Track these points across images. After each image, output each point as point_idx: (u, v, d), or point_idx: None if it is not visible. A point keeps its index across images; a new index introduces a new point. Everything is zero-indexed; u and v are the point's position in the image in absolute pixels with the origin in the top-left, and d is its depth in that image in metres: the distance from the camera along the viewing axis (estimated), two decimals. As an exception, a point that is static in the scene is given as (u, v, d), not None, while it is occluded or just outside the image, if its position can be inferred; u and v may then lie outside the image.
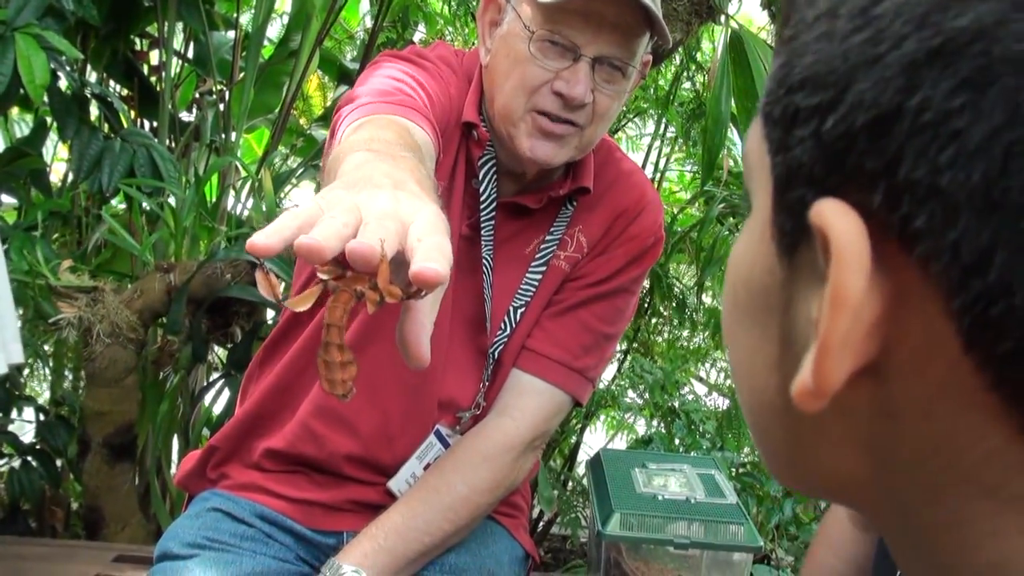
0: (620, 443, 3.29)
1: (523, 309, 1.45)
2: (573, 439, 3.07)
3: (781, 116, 0.38)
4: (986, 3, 0.30)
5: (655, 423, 2.72)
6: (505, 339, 1.45)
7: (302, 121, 3.18)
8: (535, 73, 1.30)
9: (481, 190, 1.40)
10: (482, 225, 1.41)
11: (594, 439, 3.39)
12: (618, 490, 1.50)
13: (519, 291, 1.45)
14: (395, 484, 1.43)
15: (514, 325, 1.45)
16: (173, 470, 2.61)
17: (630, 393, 2.77)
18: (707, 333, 3.18)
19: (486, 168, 1.40)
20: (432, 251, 0.67)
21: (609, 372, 3.09)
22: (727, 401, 3.16)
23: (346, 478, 1.44)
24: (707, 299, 3.11)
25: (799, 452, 0.41)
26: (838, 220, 0.34)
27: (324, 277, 0.71)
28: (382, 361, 1.41)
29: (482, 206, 1.40)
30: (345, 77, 3.08)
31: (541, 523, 3.03)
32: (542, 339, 1.46)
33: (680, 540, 1.41)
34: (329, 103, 3.31)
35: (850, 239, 0.33)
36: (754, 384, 0.43)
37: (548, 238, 1.46)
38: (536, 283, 1.45)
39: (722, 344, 3.23)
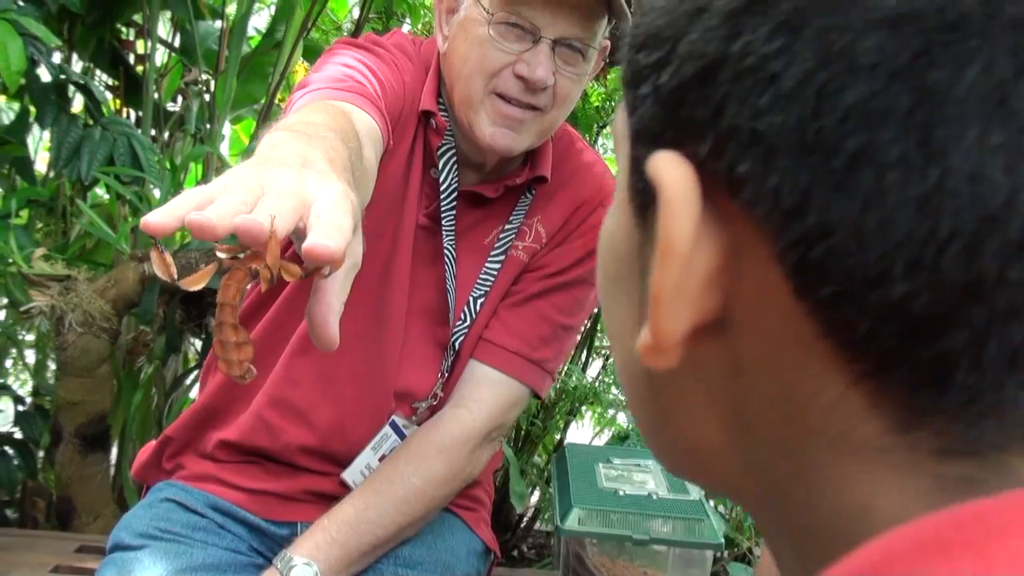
0: (606, 439, 3.27)
1: (482, 300, 1.43)
2: (557, 435, 3.05)
3: (630, 77, 0.38)
4: None
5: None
6: (465, 330, 1.43)
7: (288, 112, 3.16)
8: (495, 56, 1.29)
9: (441, 179, 1.39)
10: (443, 215, 1.39)
11: (582, 435, 3.38)
12: (579, 485, 1.48)
13: (478, 281, 1.44)
14: (349, 475, 1.41)
15: (474, 316, 1.44)
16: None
17: (614, 390, 2.76)
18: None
19: (446, 157, 1.38)
20: (328, 228, 0.66)
21: (594, 369, 3.08)
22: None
23: (300, 469, 1.43)
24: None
25: (664, 420, 0.41)
26: (667, 170, 0.34)
27: (221, 255, 0.70)
28: (336, 353, 1.38)
29: (442, 196, 1.39)
30: (332, 68, 3.06)
31: (524, 519, 3.02)
32: (499, 330, 1.44)
33: (639, 537, 1.39)
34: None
35: (676, 188, 0.33)
36: (622, 353, 0.43)
37: (506, 227, 1.44)
38: (495, 273, 1.44)
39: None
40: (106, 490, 2.27)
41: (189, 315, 2.26)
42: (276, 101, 2.88)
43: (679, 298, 0.34)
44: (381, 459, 1.41)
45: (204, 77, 2.95)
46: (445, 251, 1.41)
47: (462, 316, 1.44)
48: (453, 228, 1.41)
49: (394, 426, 1.42)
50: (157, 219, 0.65)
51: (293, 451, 1.41)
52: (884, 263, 0.29)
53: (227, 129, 3.15)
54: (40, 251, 2.17)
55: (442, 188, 1.39)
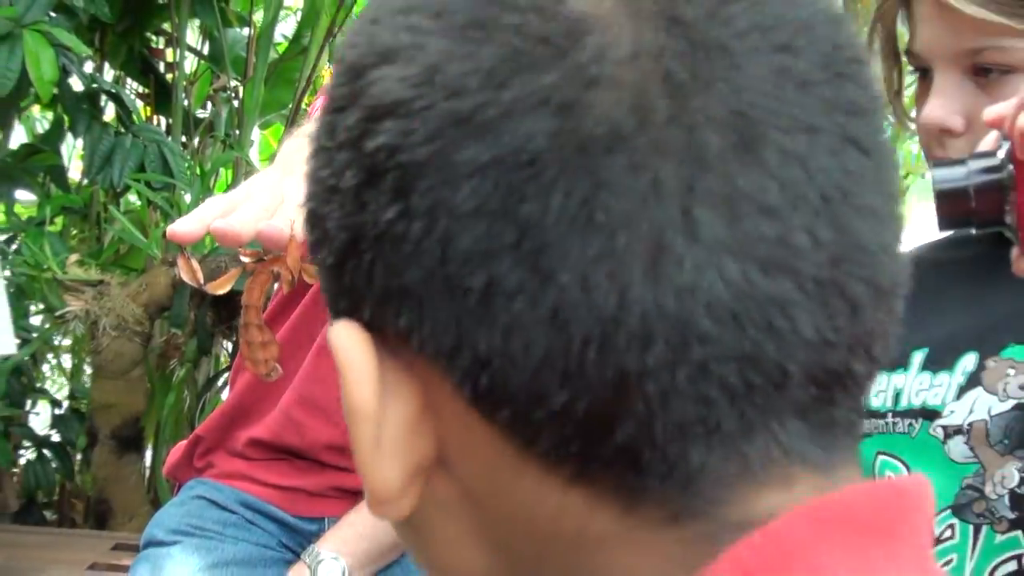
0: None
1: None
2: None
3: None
4: (392, 122, 0.33)
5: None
6: None
7: (316, 117, 3.21)
8: None
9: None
10: None
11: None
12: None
13: None
14: (375, 472, 1.44)
15: None
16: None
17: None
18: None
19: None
20: None
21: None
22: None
23: (327, 465, 1.45)
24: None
25: (431, 557, 0.41)
26: (339, 338, 0.36)
27: (245, 260, 0.73)
28: None
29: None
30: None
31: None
32: None
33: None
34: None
35: (350, 355, 0.35)
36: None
37: None
38: None
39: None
40: (141, 490, 2.31)
41: (220, 318, 2.30)
42: (303, 106, 2.93)
43: (382, 453, 0.35)
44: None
45: (233, 84, 3.00)
46: None
47: None
48: None
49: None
50: (183, 227, 0.68)
51: (320, 448, 1.44)
52: (540, 380, 0.32)
53: (256, 134, 3.20)
54: (74, 257, 2.22)
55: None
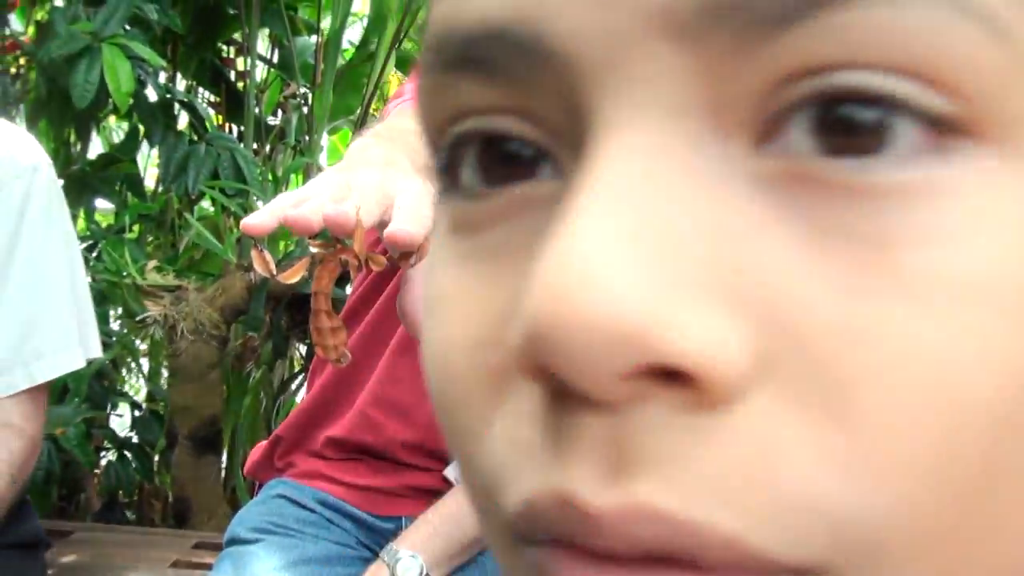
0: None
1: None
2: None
3: None
4: None
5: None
6: None
7: (383, 121, 3.24)
8: None
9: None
10: None
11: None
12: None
13: None
14: (451, 471, 1.46)
15: None
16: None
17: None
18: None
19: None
20: (408, 216, 0.72)
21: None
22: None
23: (403, 464, 1.47)
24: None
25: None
26: None
27: (314, 249, 0.76)
28: None
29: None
30: (424, 77, 3.12)
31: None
32: None
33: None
34: (408, 103, 3.36)
35: None
36: None
37: None
38: None
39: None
40: (219, 490, 2.36)
41: (294, 320, 2.34)
42: (371, 111, 2.96)
43: None
44: (481, 454, 1.45)
45: (302, 90, 3.05)
46: None
47: None
48: None
49: (493, 422, 1.46)
50: (256, 220, 0.71)
51: (396, 447, 1.46)
52: None
53: (325, 140, 3.24)
54: (152, 263, 2.27)
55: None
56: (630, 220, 0.21)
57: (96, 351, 1.56)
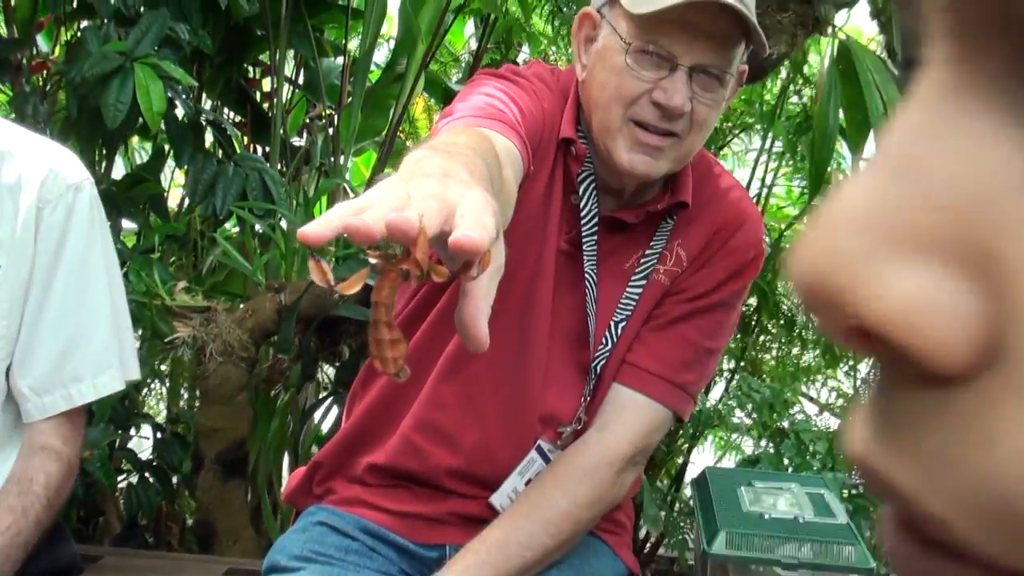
0: (728, 464, 3.24)
1: (624, 324, 1.44)
2: (680, 459, 3.03)
3: None
4: None
5: (763, 443, 2.66)
6: (607, 354, 1.44)
7: (408, 143, 3.24)
8: (632, 84, 1.30)
9: (581, 205, 1.40)
10: (584, 240, 1.40)
11: (702, 459, 3.35)
12: (724, 508, 1.47)
13: (619, 306, 1.44)
14: (497, 499, 1.43)
15: (615, 340, 1.44)
16: (282, 486, 2.66)
17: (738, 412, 2.73)
18: (817, 351, 3.10)
19: (586, 183, 1.40)
20: (472, 224, 0.70)
21: (717, 391, 3.05)
22: (838, 421, 3.08)
23: (448, 492, 1.44)
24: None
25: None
26: None
27: (373, 260, 0.74)
28: (482, 377, 1.42)
29: (583, 221, 1.40)
30: (450, 99, 3.11)
31: (648, 544, 2.99)
32: (643, 354, 1.44)
33: (788, 560, 1.38)
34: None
35: None
36: None
37: (648, 252, 1.44)
38: (636, 297, 1.44)
39: (833, 363, 3.16)
40: (245, 514, 2.33)
41: (323, 343, 2.31)
42: (399, 133, 2.95)
43: None
44: (527, 483, 1.42)
45: (328, 112, 3.04)
46: (586, 276, 1.42)
47: (604, 340, 1.44)
48: (595, 253, 1.41)
49: (540, 451, 1.43)
50: (314, 229, 0.68)
51: (440, 474, 1.43)
52: None
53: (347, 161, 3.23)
54: (182, 284, 2.25)
55: (583, 213, 1.40)
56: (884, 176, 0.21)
57: (135, 373, 1.54)
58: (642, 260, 1.44)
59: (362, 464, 1.49)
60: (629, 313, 1.44)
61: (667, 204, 1.43)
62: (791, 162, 3.03)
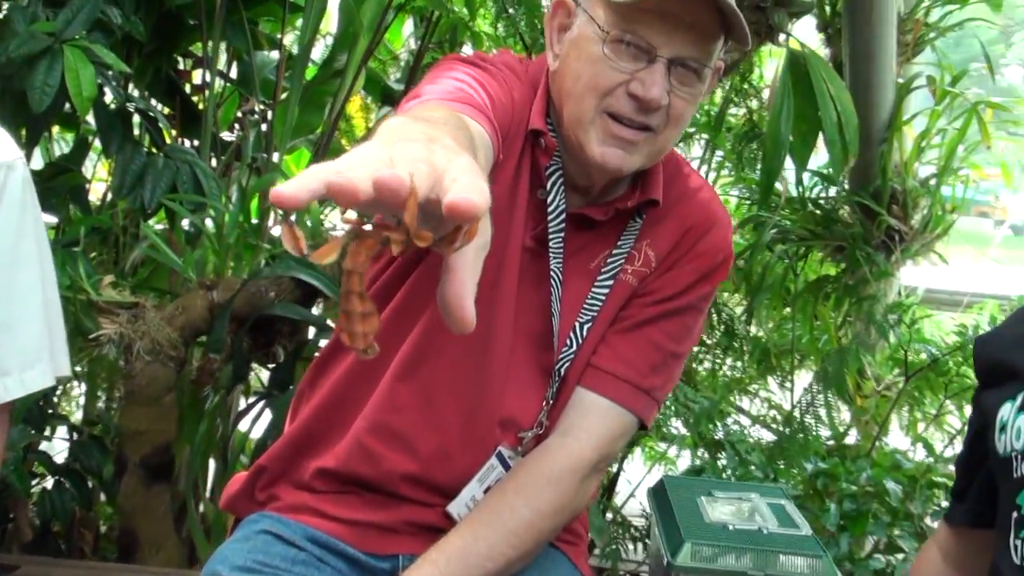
0: (658, 475, 3.20)
1: (589, 325, 1.37)
2: (614, 468, 2.98)
3: None
4: None
5: (700, 453, 2.63)
6: (571, 356, 1.38)
7: (343, 142, 3.14)
8: (608, 75, 1.24)
9: (549, 200, 1.34)
10: (550, 237, 1.34)
11: (631, 469, 3.31)
12: (687, 519, 1.42)
13: (585, 306, 1.38)
14: (454, 508, 1.35)
15: (580, 341, 1.38)
16: (209, 492, 2.54)
17: (673, 422, 2.69)
18: (750, 363, 3.09)
19: (554, 178, 1.33)
20: (468, 187, 0.63)
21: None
22: (769, 433, 3.08)
23: (402, 499, 1.36)
24: (752, 328, 3.02)
25: None
26: None
27: (348, 226, 0.67)
28: (439, 378, 1.34)
29: (550, 217, 1.33)
30: (389, 97, 3.03)
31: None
32: (608, 356, 1.38)
33: (754, 573, 1.33)
34: (372, 124, 3.26)
35: None
36: None
37: (615, 252, 1.39)
38: (603, 298, 1.38)
39: (766, 374, 3.15)
40: (169, 521, 2.20)
41: (256, 343, 2.21)
42: (337, 130, 2.85)
43: None
44: (486, 491, 1.35)
45: (261, 107, 2.93)
46: (551, 274, 1.35)
47: (568, 342, 1.38)
48: (561, 250, 1.35)
49: (500, 457, 1.36)
50: (288, 189, 0.61)
51: (395, 479, 1.35)
52: None
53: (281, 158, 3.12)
54: (108, 278, 2.13)
55: (550, 209, 1.33)
56: None
57: (65, 369, 1.43)
58: (609, 260, 1.39)
59: (310, 469, 1.40)
60: (595, 314, 1.38)
61: (637, 202, 1.37)
62: (732, 172, 3.01)
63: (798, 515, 1.47)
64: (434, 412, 1.35)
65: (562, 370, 1.38)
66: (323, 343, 1.91)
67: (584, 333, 1.38)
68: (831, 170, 2.54)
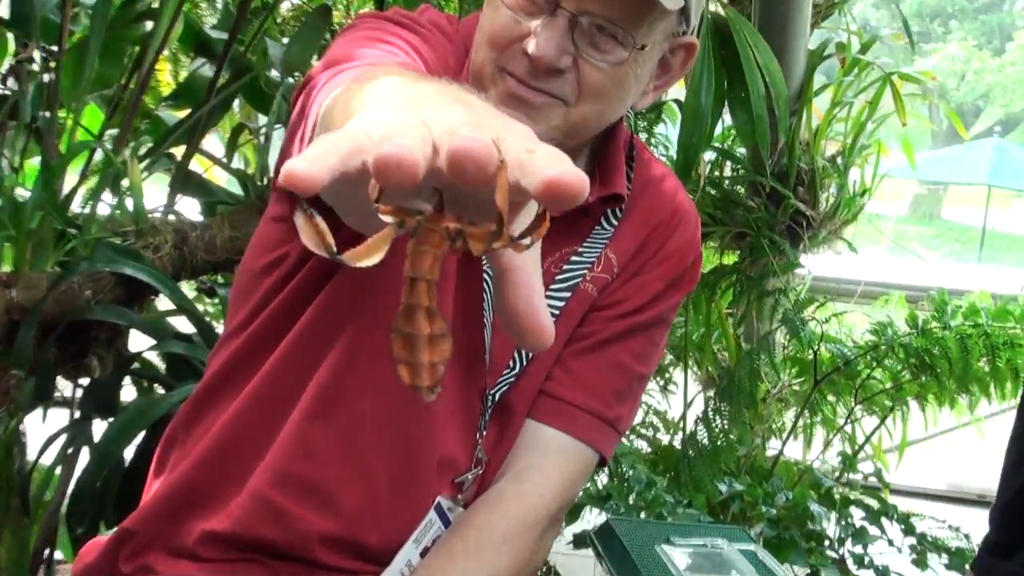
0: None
1: (539, 343, 1.28)
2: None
3: None
4: None
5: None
6: (511, 379, 1.28)
7: (146, 99, 2.92)
8: (505, 27, 1.14)
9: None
10: None
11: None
12: (653, 573, 1.36)
13: None
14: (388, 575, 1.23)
15: (524, 363, 1.28)
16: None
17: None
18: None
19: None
20: (556, 158, 0.54)
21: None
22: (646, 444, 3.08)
23: (320, 567, 1.23)
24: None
25: None
26: None
27: (387, 219, 0.56)
28: (362, 415, 1.22)
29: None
30: (204, 48, 2.83)
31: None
32: (567, 383, 1.29)
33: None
34: (183, 78, 3.05)
35: None
36: None
37: (576, 258, 1.29)
38: (558, 310, 1.28)
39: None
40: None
41: (65, 354, 2.00)
42: (132, 85, 2.64)
43: None
44: (423, 553, 1.24)
45: (43, 56, 2.69)
46: (484, 277, 1.25)
47: (510, 363, 1.28)
48: None
49: (439, 510, 1.25)
50: (305, 168, 0.50)
51: (311, 543, 1.22)
52: None
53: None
54: None
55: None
56: None
57: None
58: (567, 265, 1.29)
59: (194, 532, 1.24)
60: (547, 330, 1.29)
61: (596, 196, 1.28)
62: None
63: (773, 561, 1.44)
64: (358, 457, 1.22)
65: (497, 395, 1.28)
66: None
67: (529, 353, 1.29)
68: (743, 150, 2.53)
